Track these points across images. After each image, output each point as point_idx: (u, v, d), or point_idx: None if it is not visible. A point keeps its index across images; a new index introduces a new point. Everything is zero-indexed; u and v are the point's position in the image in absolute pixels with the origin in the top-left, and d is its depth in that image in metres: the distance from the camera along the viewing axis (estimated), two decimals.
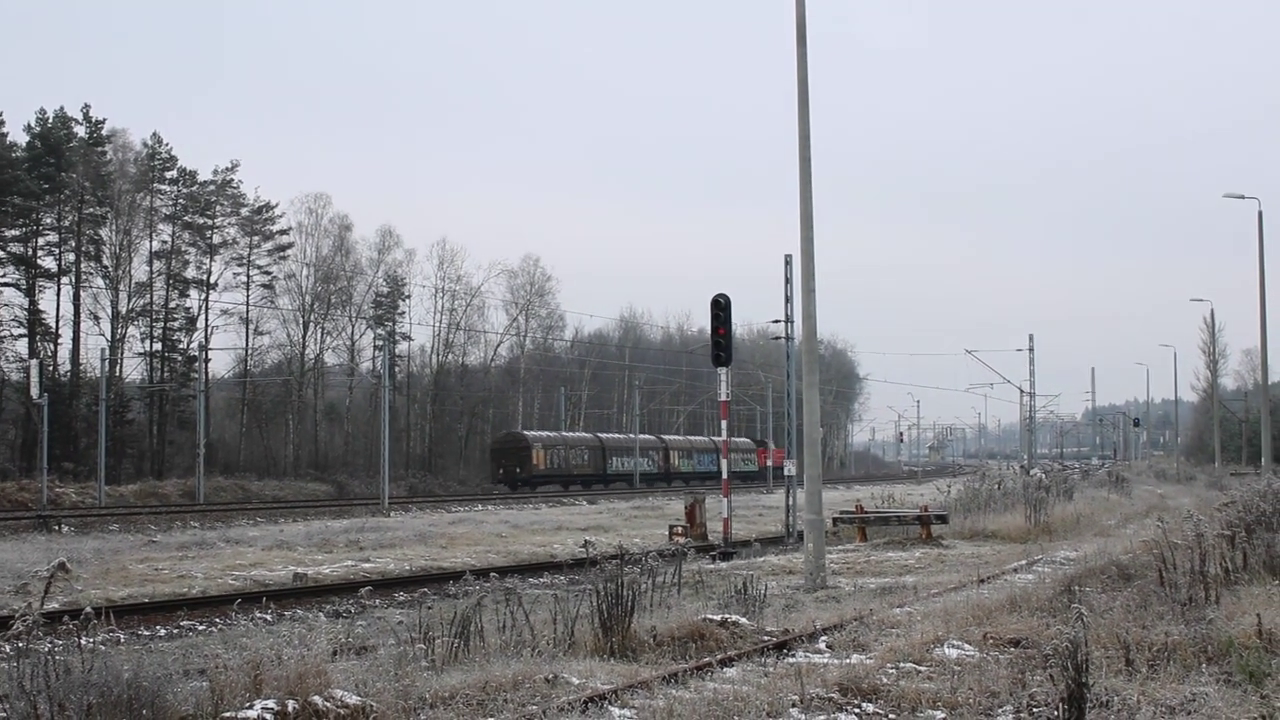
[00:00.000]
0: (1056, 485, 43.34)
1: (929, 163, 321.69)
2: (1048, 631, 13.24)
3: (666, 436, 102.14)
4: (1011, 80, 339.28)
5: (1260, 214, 52.05)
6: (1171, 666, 11.95)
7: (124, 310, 75.04)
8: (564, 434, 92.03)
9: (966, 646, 13.63)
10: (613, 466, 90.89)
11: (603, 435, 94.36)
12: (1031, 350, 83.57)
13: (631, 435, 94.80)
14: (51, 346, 72.39)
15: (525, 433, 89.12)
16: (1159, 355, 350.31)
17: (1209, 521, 19.62)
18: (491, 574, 16.97)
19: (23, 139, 73.04)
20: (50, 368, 70.50)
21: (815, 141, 23.73)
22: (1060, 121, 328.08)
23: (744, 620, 15.73)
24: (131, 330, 76.33)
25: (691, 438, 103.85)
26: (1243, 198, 52.46)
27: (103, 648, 13.32)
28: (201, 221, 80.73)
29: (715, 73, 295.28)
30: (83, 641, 11.14)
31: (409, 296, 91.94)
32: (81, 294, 73.49)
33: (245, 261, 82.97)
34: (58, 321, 73.05)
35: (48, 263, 73.46)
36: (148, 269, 77.14)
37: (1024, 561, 25.40)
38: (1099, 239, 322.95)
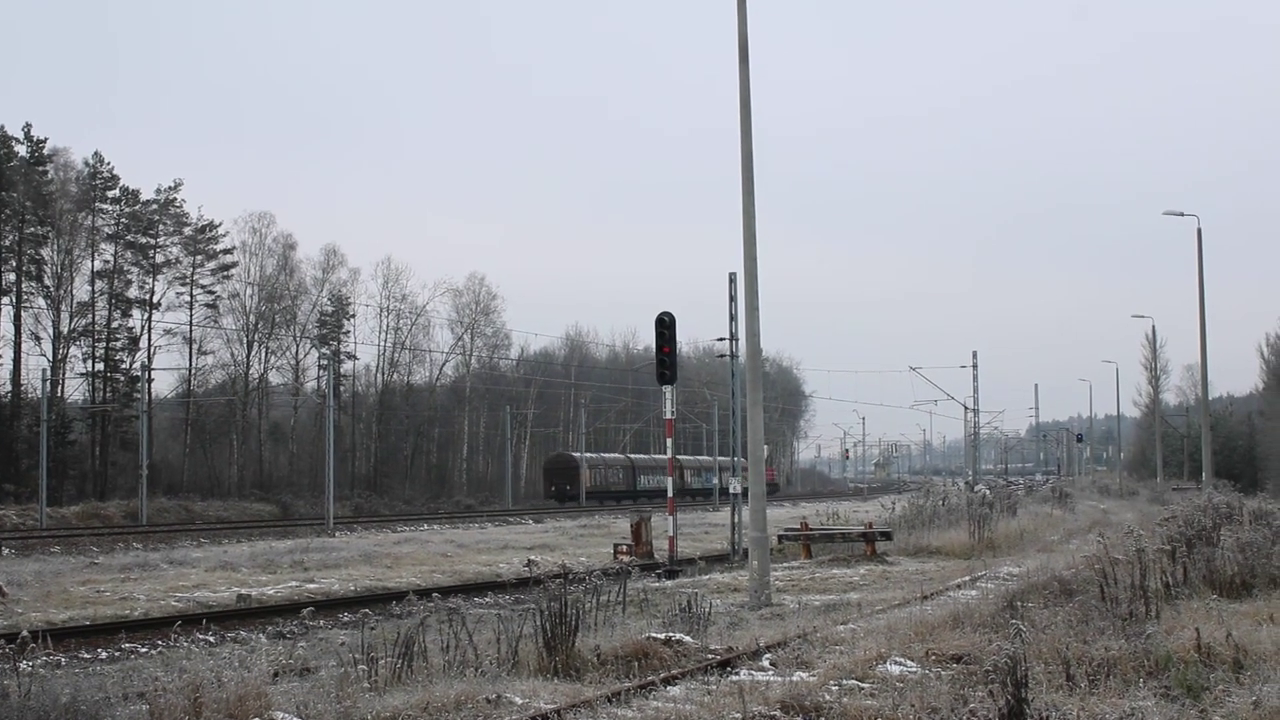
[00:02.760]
0: (1000, 501, 43.58)
1: (865, 183, 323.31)
2: (989, 647, 13.28)
3: (681, 456, 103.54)
4: (947, 100, 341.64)
5: (1199, 231, 52.48)
6: (1111, 681, 12.04)
7: (66, 330, 74.39)
8: (603, 455, 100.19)
9: (909, 663, 13.68)
10: (641, 484, 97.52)
11: (633, 456, 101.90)
12: (975, 367, 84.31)
13: (656, 456, 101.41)
14: None
15: (574, 454, 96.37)
16: (1102, 371, 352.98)
17: (1150, 536, 19.82)
18: (435, 594, 16.95)
19: None
20: None
21: (758, 161, 23.85)
22: (999, 140, 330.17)
23: (688, 638, 15.73)
24: (73, 350, 75.61)
25: (700, 457, 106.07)
26: (1182, 215, 52.84)
27: (41, 671, 13.22)
28: (144, 241, 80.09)
29: (659, 92, 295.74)
30: (21, 665, 11.05)
31: (354, 315, 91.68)
32: (22, 314, 72.73)
33: (188, 281, 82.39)
34: None
35: None
36: (90, 289, 76.56)
37: (967, 578, 25.52)
38: (1041, 255, 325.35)
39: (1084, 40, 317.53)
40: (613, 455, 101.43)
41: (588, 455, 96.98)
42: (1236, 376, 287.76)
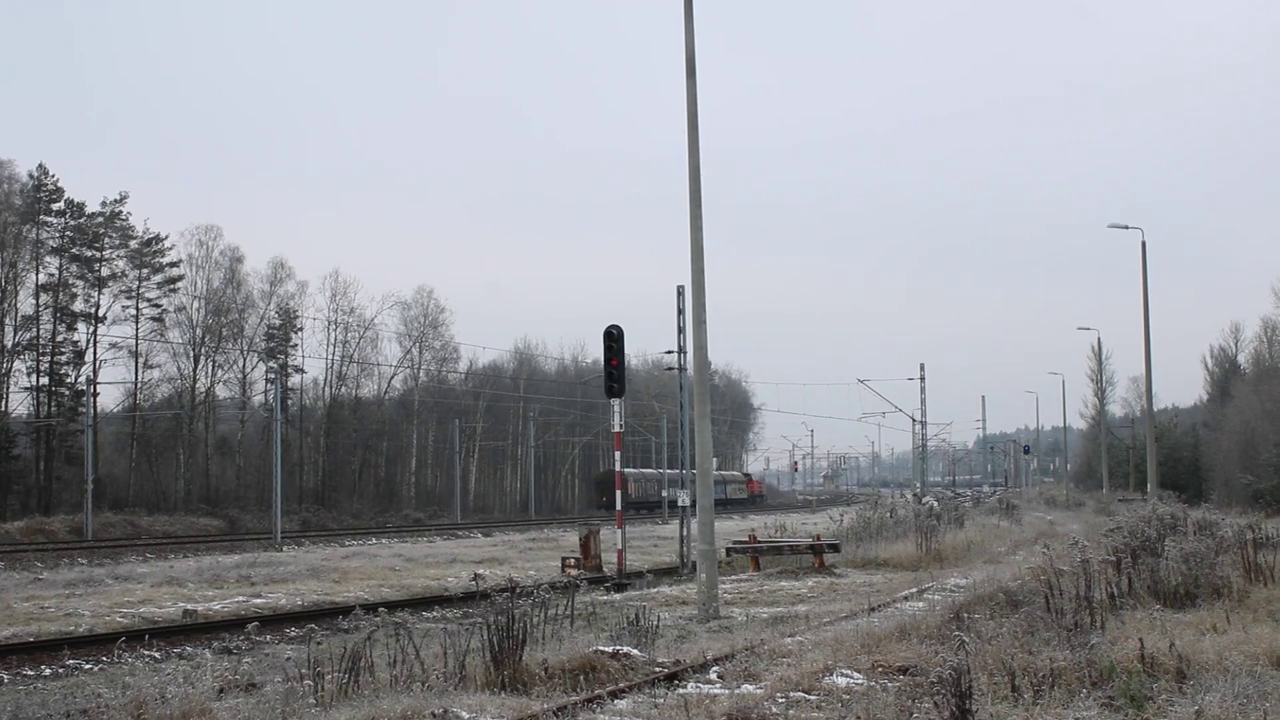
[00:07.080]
0: (948, 513, 43.78)
1: (808, 198, 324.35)
2: (935, 659, 13.35)
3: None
4: (898, 110, 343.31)
5: (1144, 244, 53.03)
6: (1056, 692, 12.09)
7: (10, 344, 73.70)
8: (643, 470, 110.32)
9: (856, 675, 13.73)
10: (671, 496, 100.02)
11: (665, 471, 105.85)
12: (923, 379, 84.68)
13: (684, 471, 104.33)
14: None
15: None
16: (1048, 383, 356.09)
17: (1095, 548, 19.98)
18: (382, 608, 16.88)
19: None
20: None
21: (706, 177, 23.85)
22: (947, 157, 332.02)
23: (636, 652, 15.73)
24: (17, 364, 74.85)
25: (721, 472, 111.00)
26: (1126, 228, 53.42)
27: None
28: (89, 254, 79.31)
29: (607, 103, 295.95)
30: None
31: (301, 329, 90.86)
32: None
33: (134, 294, 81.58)
34: None
35: None
36: (34, 302, 75.75)
37: (915, 589, 25.62)
38: (987, 268, 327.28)
39: (1044, 66, 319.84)
40: (651, 470, 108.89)
41: (634, 470, 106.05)
42: (1181, 389, 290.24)
